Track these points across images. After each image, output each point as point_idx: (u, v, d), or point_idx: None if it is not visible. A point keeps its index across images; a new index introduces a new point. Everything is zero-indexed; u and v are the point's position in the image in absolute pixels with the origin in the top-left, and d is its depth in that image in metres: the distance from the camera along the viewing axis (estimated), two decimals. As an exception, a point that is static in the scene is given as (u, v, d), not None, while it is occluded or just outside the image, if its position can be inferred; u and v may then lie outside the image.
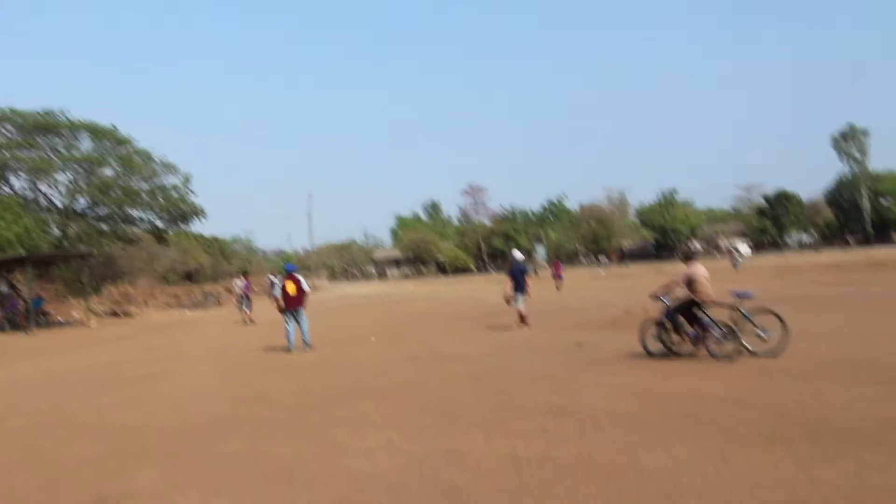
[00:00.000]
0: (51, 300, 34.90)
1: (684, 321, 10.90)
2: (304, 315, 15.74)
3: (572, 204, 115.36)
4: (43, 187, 47.49)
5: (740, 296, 10.92)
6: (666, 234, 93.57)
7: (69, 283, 42.30)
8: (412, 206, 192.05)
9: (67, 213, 46.86)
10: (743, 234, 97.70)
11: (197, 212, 50.38)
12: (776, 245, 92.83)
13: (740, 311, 10.69)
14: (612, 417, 7.15)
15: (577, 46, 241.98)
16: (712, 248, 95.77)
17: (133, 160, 48.16)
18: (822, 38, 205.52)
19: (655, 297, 11.42)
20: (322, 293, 55.37)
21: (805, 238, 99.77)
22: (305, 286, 15.87)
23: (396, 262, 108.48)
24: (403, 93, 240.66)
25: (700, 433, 6.28)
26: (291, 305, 15.63)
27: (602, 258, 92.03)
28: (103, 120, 48.83)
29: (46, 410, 10.20)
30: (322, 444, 6.87)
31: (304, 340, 15.56)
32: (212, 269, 73.99)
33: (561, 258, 47.83)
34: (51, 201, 48.11)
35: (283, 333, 15.61)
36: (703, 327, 10.73)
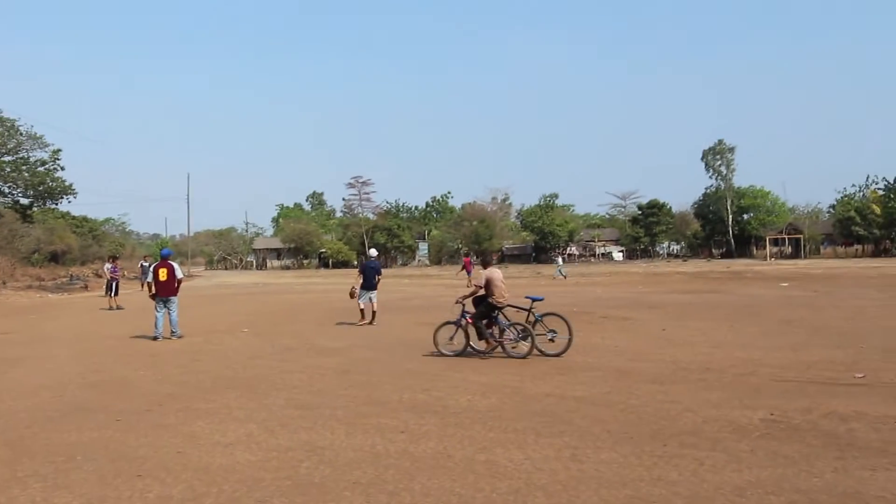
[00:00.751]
0: None
1: (482, 322, 11.52)
2: (175, 303, 15.29)
3: (456, 202, 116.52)
4: None
5: (533, 299, 11.73)
6: (545, 236, 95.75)
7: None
8: (296, 195, 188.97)
9: (-84, 184, 43.62)
10: (617, 241, 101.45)
11: (66, 189, 47.95)
12: (647, 253, 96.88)
13: (532, 314, 11.61)
14: (475, 415, 7.31)
15: (468, 47, 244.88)
16: (588, 253, 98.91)
17: (-5, 130, 45.31)
18: (700, 58, 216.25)
19: (460, 302, 11.91)
20: (197, 281, 53.77)
21: (675, 247, 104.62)
22: (179, 273, 15.46)
23: (277, 253, 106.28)
24: (292, 82, 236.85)
25: (555, 432, 6.52)
26: (162, 293, 15.12)
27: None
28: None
29: None
30: (179, 437, 6.71)
31: (171, 329, 15.08)
32: (80, 251, 70.46)
33: (468, 256, 48.87)
34: None
35: (153, 321, 15.09)
36: (500, 328, 11.51)
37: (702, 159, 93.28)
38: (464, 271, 39.55)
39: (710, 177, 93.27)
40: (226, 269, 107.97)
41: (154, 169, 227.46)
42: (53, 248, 65.22)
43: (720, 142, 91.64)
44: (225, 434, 6.75)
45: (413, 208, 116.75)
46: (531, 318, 11.61)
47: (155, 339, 14.80)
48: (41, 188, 46.85)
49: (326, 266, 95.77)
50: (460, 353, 11.53)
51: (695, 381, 8.92)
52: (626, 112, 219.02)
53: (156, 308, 15.21)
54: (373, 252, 19.09)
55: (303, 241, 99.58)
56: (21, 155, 46.40)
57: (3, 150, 45.67)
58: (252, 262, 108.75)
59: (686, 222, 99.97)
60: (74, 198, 48.46)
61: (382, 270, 18.60)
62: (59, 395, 9.11)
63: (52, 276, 47.72)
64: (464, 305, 11.81)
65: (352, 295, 17.53)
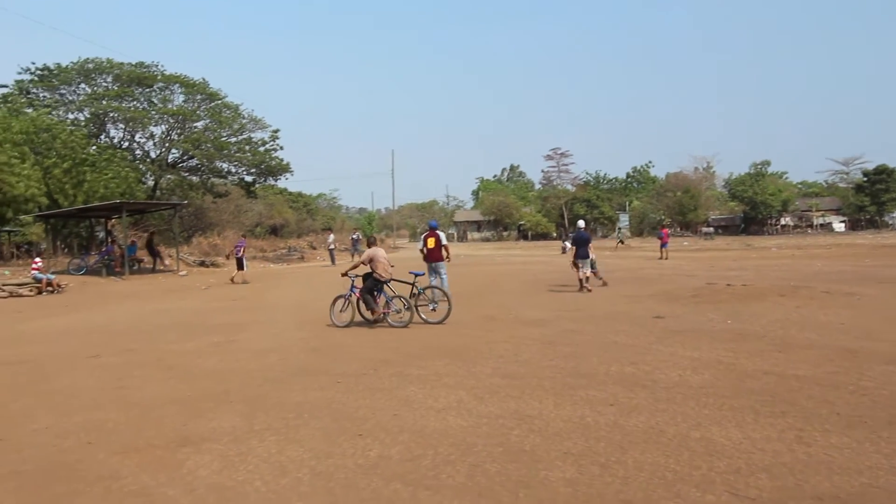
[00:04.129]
0: (143, 248, 36.33)
1: (369, 294, 12.76)
2: (444, 267, 16.52)
3: (658, 172, 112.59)
4: (138, 138, 49.25)
5: (416, 274, 13.26)
6: (756, 206, 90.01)
7: (161, 232, 44.02)
8: (495, 168, 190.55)
9: (161, 165, 48.49)
10: (838, 211, 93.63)
11: (283, 167, 51.43)
12: (874, 223, 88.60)
13: (416, 287, 13.10)
14: (687, 390, 7.04)
15: (672, 9, 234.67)
16: (805, 224, 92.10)
17: (222, 114, 49.33)
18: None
19: (345, 275, 13.36)
20: (403, 252, 55.87)
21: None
22: (444, 239, 16.69)
23: (477, 225, 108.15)
24: (491, 56, 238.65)
25: (776, 412, 6.14)
26: (430, 259, 16.57)
27: (706, 229, 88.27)
28: (195, 73, 50.13)
29: (137, 351, 10.75)
30: (395, 400, 7.01)
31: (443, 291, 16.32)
32: (296, 224, 75.58)
33: (667, 227, 48.24)
34: (145, 152, 49.85)
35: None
36: (385, 300, 12.83)
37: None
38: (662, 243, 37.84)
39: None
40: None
41: (362, 145, 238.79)
42: (273, 222, 70.55)
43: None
44: (437, 399, 6.97)
45: (613, 179, 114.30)
46: (414, 291, 13.08)
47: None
48: (262, 166, 50.63)
49: (525, 238, 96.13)
50: (349, 324, 12.75)
51: (937, 363, 8.04)
52: (848, 67, 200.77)
53: (428, 273, 16.60)
54: (581, 224, 20.16)
55: (502, 213, 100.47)
56: (245, 136, 50.30)
57: (230, 132, 49.67)
58: (453, 234, 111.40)
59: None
60: (291, 175, 51.95)
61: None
62: (284, 357, 9.83)
63: (273, 248, 51.55)
64: (352, 280, 13.14)
65: (573, 267, 18.77)
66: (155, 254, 33.20)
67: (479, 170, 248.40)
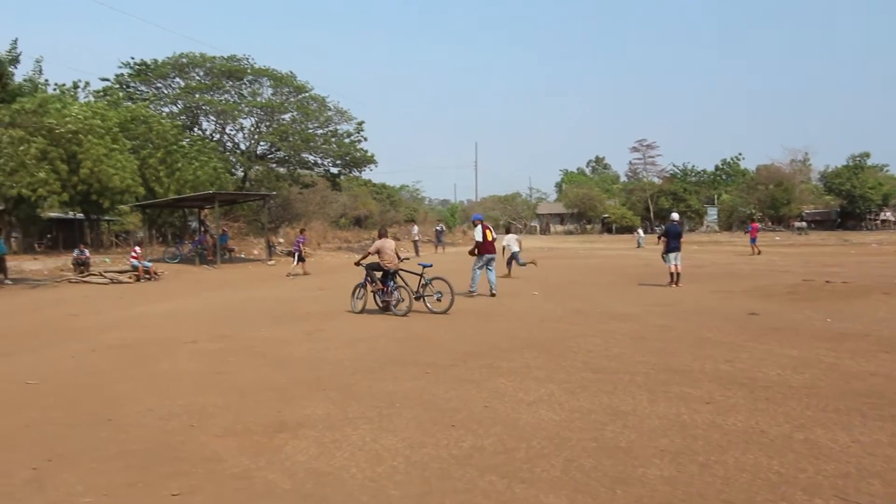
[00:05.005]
0: (234, 237, 37.40)
1: (376, 283, 13.68)
2: (493, 263, 16.83)
3: (749, 164, 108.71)
4: (229, 130, 50.64)
5: (424, 266, 13.90)
6: (854, 201, 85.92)
7: (250, 222, 45.23)
8: (580, 160, 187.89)
9: (250, 156, 49.74)
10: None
11: (368, 158, 51.99)
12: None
13: (423, 278, 13.71)
14: (787, 390, 6.79)
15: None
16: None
17: (309, 106, 50.19)
18: None
19: (358, 264, 14.29)
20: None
21: None
22: (494, 234, 16.98)
23: (560, 218, 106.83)
24: (573, 45, 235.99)
25: (886, 415, 5.85)
26: (488, 251, 16.73)
27: (799, 224, 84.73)
28: (281, 65, 51.24)
29: (232, 338, 11.08)
30: (485, 392, 7.00)
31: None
32: (380, 215, 76.37)
33: (756, 221, 47.00)
34: (235, 144, 51.20)
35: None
36: (390, 289, 13.53)
37: None
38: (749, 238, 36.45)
39: None
40: (507, 232, 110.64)
41: (446, 137, 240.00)
42: (357, 213, 71.61)
43: None
44: (527, 392, 6.93)
45: (701, 171, 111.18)
46: (422, 282, 13.72)
47: (471, 293, 16.30)
48: (347, 158, 51.27)
49: (609, 231, 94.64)
50: (362, 311, 13.67)
51: None
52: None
53: (475, 267, 16.78)
54: (675, 216, 19.81)
55: (586, 205, 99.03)
56: (330, 128, 51.06)
57: (316, 124, 50.51)
58: (536, 226, 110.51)
59: None
60: (375, 166, 52.44)
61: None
62: (372, 347, 9.95)
63: (357, 239, 52.30)
64: (366, 269, 13.90)
65: (664, 258, 18.33)
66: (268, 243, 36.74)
67: (564, 161, 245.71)
